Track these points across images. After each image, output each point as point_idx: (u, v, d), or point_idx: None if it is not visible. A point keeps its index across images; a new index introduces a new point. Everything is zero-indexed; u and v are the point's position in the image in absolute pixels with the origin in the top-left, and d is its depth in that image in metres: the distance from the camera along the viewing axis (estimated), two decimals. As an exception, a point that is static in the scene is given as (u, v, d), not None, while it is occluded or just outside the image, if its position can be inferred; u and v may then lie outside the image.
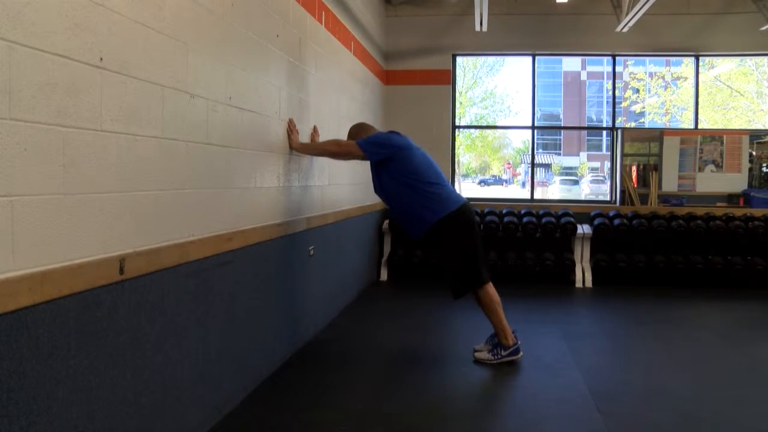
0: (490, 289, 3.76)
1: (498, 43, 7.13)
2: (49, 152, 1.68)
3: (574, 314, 5.31)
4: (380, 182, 3.79)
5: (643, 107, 21.53)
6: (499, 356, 3.71)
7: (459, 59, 7.46)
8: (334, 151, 3.85)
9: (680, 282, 6.30)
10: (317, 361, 3.70)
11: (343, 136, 4.25)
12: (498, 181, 32.77)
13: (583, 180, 25.27)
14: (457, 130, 7.45)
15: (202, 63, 2.56)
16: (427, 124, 6.90)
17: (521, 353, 3.74)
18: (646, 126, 19.78)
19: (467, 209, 3.76)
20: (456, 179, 8.53)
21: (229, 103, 2.82)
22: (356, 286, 5.60)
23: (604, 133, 31.57)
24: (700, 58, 7.34)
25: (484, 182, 31.62)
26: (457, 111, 7.42)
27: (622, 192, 7.08)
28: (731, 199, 6.92)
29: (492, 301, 3.72)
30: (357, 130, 3.97)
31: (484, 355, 3.75)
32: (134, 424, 2.10)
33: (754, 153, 7.13)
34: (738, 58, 14.77)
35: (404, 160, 3.68)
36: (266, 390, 3.15)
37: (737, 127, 14.73)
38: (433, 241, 3.74)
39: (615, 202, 7.19)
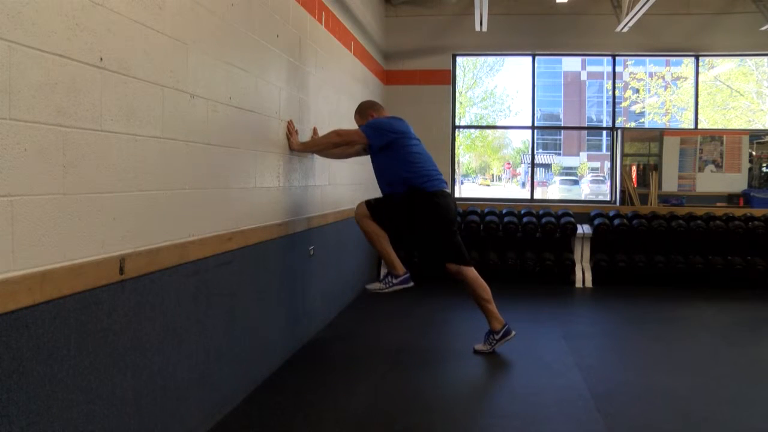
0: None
1: (498, 43, 7.13)
2: (49, 152, 1.68)
3: (574, 314, 5.31)
4: (379, 170, 3.83)
5: (643, 107, 21.49)
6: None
7: (459, 59, 7.46)
8: (337, 141, 3.84)
9: (680, 282, 6.30)
10: (317, 361, 3.70)
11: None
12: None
13: (583, 180, 25.24)
14: (457, 130, 7.45)
15: (202, 63, 2.56)
16: (427, 124, 6.89)
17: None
18: (646, 126, 19.75)
19: (450, 198, 3.84)
20: (456, 179, 8.51)
21: (229, 103, 2.82)
22: (356, 286, 5.60)
23: (604, 133, 31.53)
24: (700, 58, 7.34)
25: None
26: (457, 111, 7.42)
27: (622, 192, 7.08)
28: (731, 199, 6.92)
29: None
30: (368, 106, 4.03)
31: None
32: (134, 424, 2.10)
33: (754, 153, 7.13)
34: (738, 58, 14.75)
35: (404, 147, 3.71)
36: (266, 390, 3.15)
37: (737, 127, 14.72)
38: (410, 204, 3.74)
39: (615, 202, 7.19)
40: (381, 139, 3.70)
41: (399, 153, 3.70)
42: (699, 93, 7.52)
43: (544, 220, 6.44)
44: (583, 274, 6.36)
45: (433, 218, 3.75)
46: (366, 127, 3.75)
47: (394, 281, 3.80)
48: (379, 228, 3.76)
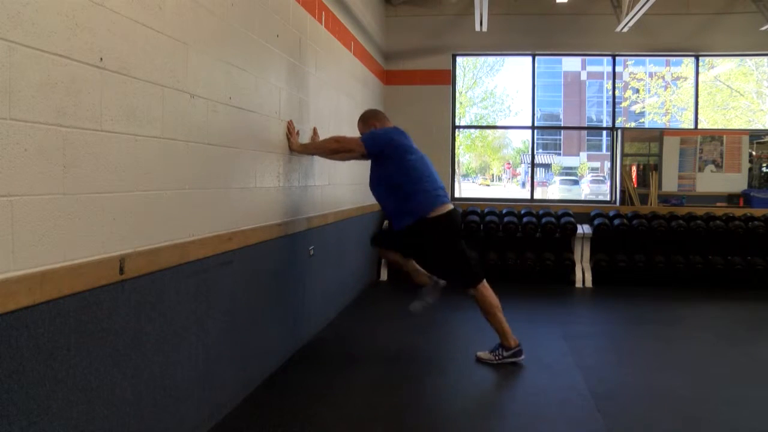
0: (487, 290, 3.71)
1: (498, 43, 7.13)
2: (49, 152, 1.68)
3: (574, 314, 5.31)
4: (373, 176, 3.80)
5: (643, 107, 21.50)
6: (501, 357, 3.70)
7: (459, 59, 7.46)
8: (335, 148, 3.81)
9: (680, 282, 6.30)
10: (317, 361, 3.70)
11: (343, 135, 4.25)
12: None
13: (583, 180, 25.25)
14: (457, 130, 7.45)
15: (202, 63, 2.56)
16: (427, 124, 6.90)
17: (523, 356, 3.71)
18: (646, 126, 19.75)
19: (453, 215, 3.71)
20: (456, 179, 8.51)
21: (229, 103, 2.82)
22: (356, 286, 5.60)
23: (604, 133, 31.53)
24: (700, 58, 7.34)
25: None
26: (457, 111, 7.42)
27: (622, 192, 7.08)
28: (731, 199, 6.92)
29: (491, 305, 3.69)
30: (371, 115, 3.98)
31: (486, 354, 3.75)
32: (134, 424, 2.10)
33: (753, 153, 7.13)
34: (738, 58, 14.75)
35: (402, 161, 3.65)
36: (266, 390, 3.15)
37: (737, 127, 14.72)
38: (416, 238, 3.70)
39: (615, 202, 7.19)
40: (380, 150, 3.66)
41: (397, 166, 3.62)
42: (699, 93, 7.53)
43: (544, 220, 6.44)
44: (583, 274, 6.36)
45: (440, 239, 3.66)
46: (366, 138, 3.71)
47: (505, 354, 3.71)
48: (491, 297, 3.71)
